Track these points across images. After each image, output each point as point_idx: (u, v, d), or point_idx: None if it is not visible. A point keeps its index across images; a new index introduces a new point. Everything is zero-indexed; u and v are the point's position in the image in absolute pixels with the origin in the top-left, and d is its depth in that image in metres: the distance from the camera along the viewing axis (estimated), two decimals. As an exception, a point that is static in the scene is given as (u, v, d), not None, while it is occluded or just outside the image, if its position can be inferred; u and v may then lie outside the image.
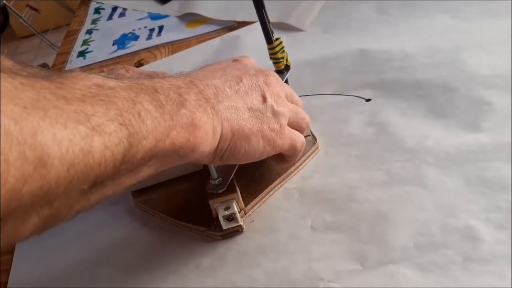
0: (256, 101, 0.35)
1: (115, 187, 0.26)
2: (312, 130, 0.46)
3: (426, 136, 0.41)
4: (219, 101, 0.33)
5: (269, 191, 0.41)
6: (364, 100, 0.48)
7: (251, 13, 0.72)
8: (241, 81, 0.36)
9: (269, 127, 0.35)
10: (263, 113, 0.35)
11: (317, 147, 0.44)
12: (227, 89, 0.34)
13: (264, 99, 0.36)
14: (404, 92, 0.47)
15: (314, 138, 0.45)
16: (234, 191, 0.39)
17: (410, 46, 0.53)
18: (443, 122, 0.42)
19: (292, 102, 0.39)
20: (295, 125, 0.38)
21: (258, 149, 0.35)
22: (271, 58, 0.46)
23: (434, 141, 0.41)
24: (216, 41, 0.69)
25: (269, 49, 0.45)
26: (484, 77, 0.45)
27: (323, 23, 0.65)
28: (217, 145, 0.32)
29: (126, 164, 0.24)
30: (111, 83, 0.26)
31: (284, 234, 0.37)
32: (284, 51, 0.46)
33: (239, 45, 0.65)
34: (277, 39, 0.45)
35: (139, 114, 0.25)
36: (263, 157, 0.36)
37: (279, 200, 0.41)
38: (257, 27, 0.69)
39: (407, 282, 0.31)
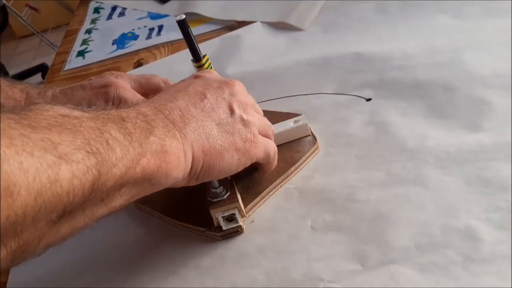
0: (224, 115, 0.35)
1: (86, 218, 0.25)
2: (312, 130, 0.46)
3: (426, 136, 0.41)
4: (185, 123, 0.32)
5: (269, 191, 0.41)
6: (365, 99, 0.48)
7: (251, 13, 0.73)
8: (205, 97, 0.35)
9: (241, 138, 0.35)
10: (233, 125, 0.35)
11: (317, 147, 0.44)
12: (192, 109, 0.34)
13: (232, 111, 0.35)
14: (404, 92, 0.47)
15: (314, 138, 0.45)
16: (235, 199, 0.38)
17: (410, 46, 0.53)
18: (443, 122, 0.42)
19: (255, 111, 0.38)
20: (264, 133, 0.38)
21: (233, 163, 0.34)
22: None
23: (434, 141, 0.41)
24: (216, 41, 0.69)
25: (197, 67, 0.45)
26: (484, 77, 0.45)
27: (323, 23, 0.65)
28: (191, 169, 0.32)
29: (95, 192, 0.24)
30: (77, 113, 0.26)
31: (284, 234, 0.37)
32: (211, 66, 0.46)
33: (239, 45, 0.65)
34: (204, 56, 0.44)
35: (107, 142, 0.25)
36: (241, 169, 0.36)
37: (279, 200, 0.41)
38: (257, 27, 0.69)
39: (407, 282, 0.31)
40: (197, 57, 0.44)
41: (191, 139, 0.32)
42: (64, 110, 0.25)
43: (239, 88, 0.38)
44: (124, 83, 0.44)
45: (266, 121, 0.39)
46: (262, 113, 0.40)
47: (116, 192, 0.26)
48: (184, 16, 0.41)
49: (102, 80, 0.43)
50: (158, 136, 0.29)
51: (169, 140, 0.30)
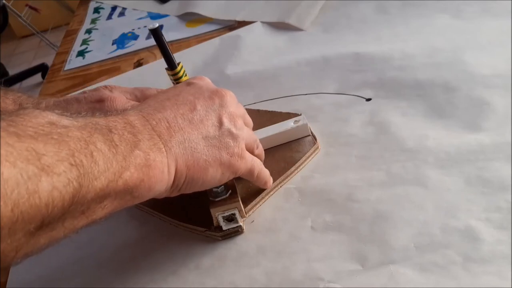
0: (212, 128, 0.35)
1: (66, 230, 0.25)
2: (312, 130, 0.46)
3: (426, 136, 0.41)
4: (171, 136, 0.32)
5: (269, 191, 0.41)
6: (364, 99, 0.48)
7: (251, 13, 0.73)
8: (194, 108, 0.35)
9: (227, 152, 0.34)
10: (220, 139, 0.34)
11: (317, 147, 0.44)
12: (180, 120, 0.33)
13: (221, 123, 0.35)
14: (404, 92, 0.47)
15: (314, 138, 0.45)
16: (236, 199, 0.38)
17: (410, 46, 0.53)
18: (443, 122, 0.42)
19: (245, 123, 0.38)
20: (249, 147, 0.38)
21: (217, 177, 0.34)
22: (175, 82, 0.45)
23: (434, 141, 0.41)
24: (216, 41, 0.69)
25: (172, 75, 0.44)
26: (484, 77, 0.45)
27: (323, 23, 0.65)
28: (173, 181, 0.32)
29: (75, 205, 0.24)
30: (65, 121, 0.25)
31: (284, 234, 0.37)
32: (186, 74, 0.45)
33: (239, 45, 0.65)
34: (178, 63, 0.44)
35: (92, 155, 0.25)
36: (224, 182, 0.36)
37: (279, 200, 0.41)
38: (257, 27, 0.69)
39: (407, 282, 0.31)
40: (172, 65, 0.44)
41: (176, 153, 0.32)
42: (52, 117, 0.25)
43: (230, 99, 0.37)
44: (119, 96, 0.43)
45: (253, 135, 0.39)
46: (251, 124, 0.40)
47: (97, 204, 0.26)
48: (157, 25, 0.41)
49: (96, 94, 0.43)
50: (143, 150, 0.29)
51: (153, 154, 0.30)
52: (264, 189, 0.41)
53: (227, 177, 0.35)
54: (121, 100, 0.43)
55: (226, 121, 0.35)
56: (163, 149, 0.31)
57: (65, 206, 0.23)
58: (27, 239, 0.22)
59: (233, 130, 0.35)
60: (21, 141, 0.22)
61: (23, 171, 0.21)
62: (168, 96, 0.36)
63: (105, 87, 0.45)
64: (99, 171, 0.25)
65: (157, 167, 0.30)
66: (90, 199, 0.25)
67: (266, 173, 0.40)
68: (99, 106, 0.42)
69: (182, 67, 0.44)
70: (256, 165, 0.38)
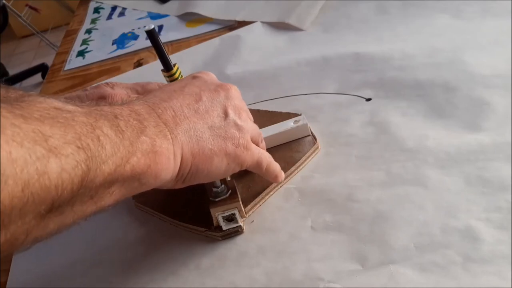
0: (217, 119, 0.35)
1: (75, 215, 0.25)
2: (312, 130, 0.46)
3: (426, 136, 0.41)
4: (177, 124, 0.32)
5: (269, 191, 0.41)
6: (364, 99, 0.48)
7: (251, 13, 0.73)
8: (200, 99, 0.35)
9: (233, 143, 0.34)
10: (226, 129, 0.34)
11: (317, 147, 0.44)
12: (186, 110, 0.33)
13: (226, 115, 0.35)
14: (404, 92, 0.47)
15: (314, 138, 0.45)
16: (236, 199, 0.38)
17: (410, 46, 0.53)
18: (443, 122, 0.42)
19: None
20: (254, 140, 0.37)
21: (222, 167, 0.34)
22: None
23: (434, 141, 0.41)
24: (215, 41, 0.69)
25: (168, 76, 0.44)
26: (484, 77, 0.45)
27: (323, 23, 0.65)
28: (178, 170, 0.32)
29: (84, 188, 0.24)
30: (70, 107, 0.25)
31: (284, 234, 0.37)
32: (182, 75, 0.45)
33: (239, 45, 0.65)
34: (174, 64, 0.44)
35: (98, 139, 0.25)
36: (229, 174, 0.36)
37: (279, 200, 0.41)
38: (257, 27, 0.69)
39: (407, 282, 0.31)
40: (168, 67, 0.44)
41: (182, 141, 0.32)
42: (57, 103, 0.25)
43: (235, 92, 0.38)
44: (120, 92, 0.43)
45: (257, 128, 0.39)
46: (252, 120, 0.40)
47: (105, 190, 0.26)
48: (153, 26, 0.41)
49: (98, 92, 0.43)
50: (149, 136, 0.29)
51: (159, 140, 0.30)
52: (264, 189, 0.41)
53: (233, 168, 0.35)
54: (122, 96, 0.43)
55: (231, 113, 0.35)
56: (169, 136, 0.31)
57: (74, 189, 0.23)
58: (37, 222, 0.22)
59: (238, 121, 0.35)
60: (27, 123, 0.22)
61: (30, 151, 0.21)
62: (174, 88, 0.36)
63: (107, 84, 0.45)
64: (106, 155, 0.25)
65: (163, 153, 0.30)
66: (98, 183, 0.25)
67: (276, 166, 0.39)
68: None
69: (178, 68, 0.45)
70: (264, 157, 0.38)
